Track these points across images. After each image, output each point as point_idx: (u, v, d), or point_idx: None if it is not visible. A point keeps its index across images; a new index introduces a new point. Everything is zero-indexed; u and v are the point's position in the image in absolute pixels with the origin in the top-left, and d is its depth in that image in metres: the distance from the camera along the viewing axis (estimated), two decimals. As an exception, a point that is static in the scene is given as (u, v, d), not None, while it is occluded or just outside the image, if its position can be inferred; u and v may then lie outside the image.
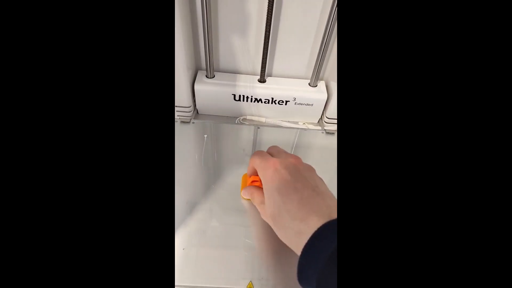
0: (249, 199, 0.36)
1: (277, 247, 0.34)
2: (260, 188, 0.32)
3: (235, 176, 0.40)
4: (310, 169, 0.30)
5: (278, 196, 0.27)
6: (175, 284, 0.30)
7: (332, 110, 0.48)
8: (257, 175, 0.32)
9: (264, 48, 0.43)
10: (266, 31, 0.41)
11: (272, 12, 0.39)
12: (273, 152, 0.33)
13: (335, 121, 0.49)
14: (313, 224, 0.23)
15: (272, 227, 0.28)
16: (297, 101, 0.48)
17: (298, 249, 0.24)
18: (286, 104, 0.49)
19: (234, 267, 0.32)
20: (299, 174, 0.28)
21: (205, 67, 0.47)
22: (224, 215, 0.36)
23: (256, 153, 0.32)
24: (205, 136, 0.46)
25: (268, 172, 0.29)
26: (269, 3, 0.38)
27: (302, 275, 0.23)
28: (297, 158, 0.30)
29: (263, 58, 0.45)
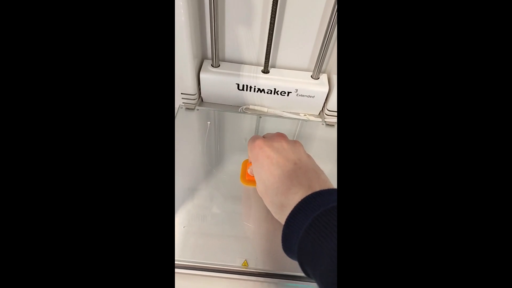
0: (251, 180, 0.37)
1: (266, 229, 0.36)
2: None
3: (236, 164, 0.42)
4: (295, 144, 0.31)
5: (263, 173, 0.28)
6: (176, 259, 0.33)
7: (333, 102, 0.49)
8: None
9: (268, 40, 0.44)
10: (270, 23, 0.42)
11: (277, 4, 0.40)
12: (265, 135, 0.34)
13: (336, 113, 0.51)
14: (293, 198, 0.25)
15: (265, 203, 0.30)
16: (299, 92, 0.49)
17: (282, 221, 0.26)
18: (288, 95, 0.50)
19: (231, 247, 0.34)
20: (282, 149, 0.29)
21: (211, 57, 0.48)
22: (223, 201, 0.38)
23: (251, 138, 0.33)
24: (208, 123, 0.48)
25: (254, 151, 0.30)
26: (274, -5, 0.39)
27: (285, 243, 0.25)
28: (282, 135, 0.32)
29: (267, 49, 0.46)
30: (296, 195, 0.25)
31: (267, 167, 0.28)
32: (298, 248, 0.23)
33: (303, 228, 0.22)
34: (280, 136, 0.31)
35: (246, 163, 0.39)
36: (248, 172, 0.37)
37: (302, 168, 0.27)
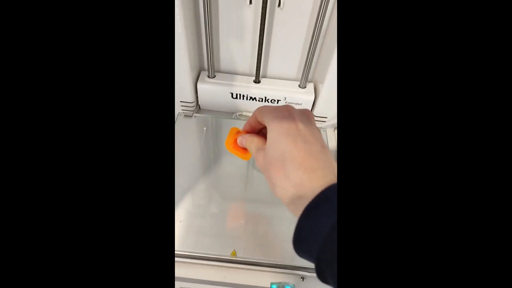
0: (239, 150, 0.34)
1: (254, 223, 0.40)
2: (259, 135, 0.30)
3: (231, 165, 0.47)
4: (319, 130, 0.26)
5: (286, 140, 0.24)
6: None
7: (319, 109, 0.54)
8: (251, 133, 0.31)
9: (258, 53, 0.49)
10: (260, 37, 0.47)
11: (265, 21, 0.45)
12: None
13: (322, 119, 0.55)
14: (318, 180, 0.21)
15: (267, 177, 0.25)
16: (288, 100, 0.54)
17: (294, 205, 0.22)
18: (277, 103, 0.54)
19: (221, 240, 0.39)
20: (311, 127, 0.25)
21: (207, 68, 0.53)
22: (218, 198, 0.43)
23: (264, 106, 0.28)
24: (204, 128, 0.52)
25: (281, 114, 0.25)
26: (262, 13, 0.44)
27: (299, 234, 0.21)
28: (310, 112, 0.27)
29: (257, 61, 0.51)
30: (322, 178, 0.21)
31: (293, 137, 0.24)
32: (319, 250, 0.19)
33: (330, 224, 0.19)
34: (308, 112, 0.27)
35: (234, 131, 0.35)
36: (238, 142, 0.34)
37: (328, 154, 0.24)
